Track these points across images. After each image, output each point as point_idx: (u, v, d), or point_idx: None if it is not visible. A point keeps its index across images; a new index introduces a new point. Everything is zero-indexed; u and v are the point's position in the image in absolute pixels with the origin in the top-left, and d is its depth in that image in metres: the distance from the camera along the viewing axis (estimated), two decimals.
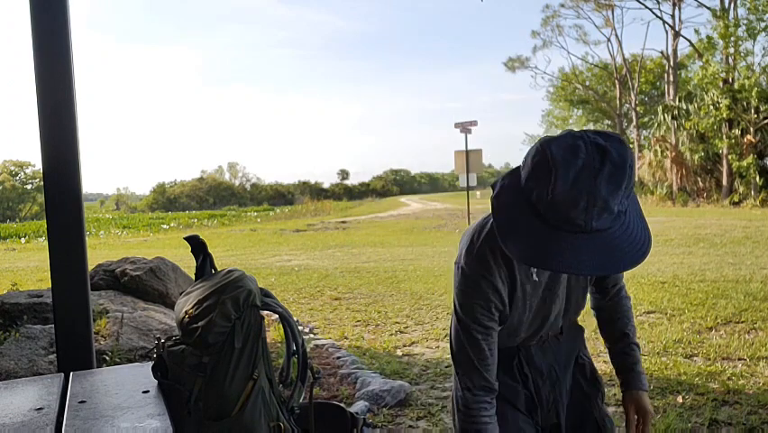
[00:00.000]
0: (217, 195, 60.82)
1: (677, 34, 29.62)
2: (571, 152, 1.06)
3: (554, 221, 1.09)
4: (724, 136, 24.68)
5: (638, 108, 34.94)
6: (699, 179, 26.44)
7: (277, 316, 1.29)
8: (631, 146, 28.41)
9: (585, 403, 1.57)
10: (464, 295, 1.33)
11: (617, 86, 36.90)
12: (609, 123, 40.52)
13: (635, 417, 1.48)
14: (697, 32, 26.54)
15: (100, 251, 14.05)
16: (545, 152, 1.08)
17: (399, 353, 4.70)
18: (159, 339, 1.36)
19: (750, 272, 7.73)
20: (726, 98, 24.02)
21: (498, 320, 1.34)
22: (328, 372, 4.17)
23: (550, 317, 1.46)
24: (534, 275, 1.36)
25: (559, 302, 1.45)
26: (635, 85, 35.05)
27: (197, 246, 1.45)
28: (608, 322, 1.59)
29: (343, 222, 24.15)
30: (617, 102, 37.20)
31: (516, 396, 1.47)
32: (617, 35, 40.90)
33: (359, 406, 3.37)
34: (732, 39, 24.49)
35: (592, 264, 1.09)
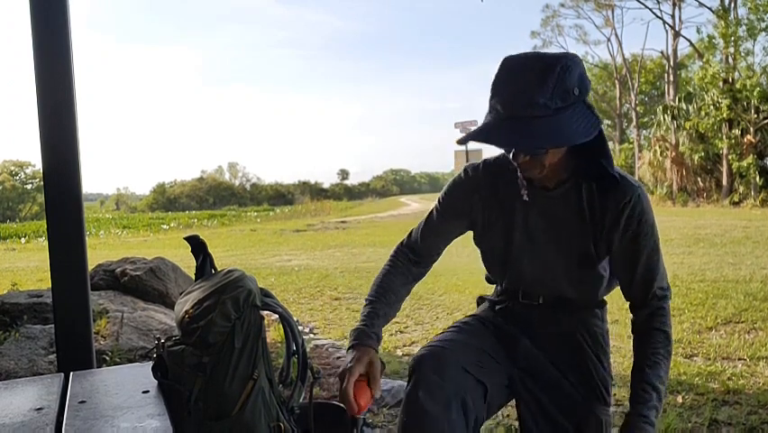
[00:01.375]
0: (217, 195, 60.83)
1: (677, 34, 29.63)
2: (517, 58, 1.31)
3: (491, 109, 1.30)
4: (724, 136, 24.68)
5: (638, 108, 34.95)
6: (699, 179, 26.44)
7: (277, 316, 1.29)
8: (631, 146, 28.42)
9: (571, 397, 1.50)
10: (444, 189, 1.60)
11: (617, 86, 36.91)
12: (609, 122, 40.51)
13: None
14: (698, 30, 26.58)
15: (100, 251, 14.05)
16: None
17: (399, 353, 4.70)
18: (159, 339, 1.36)
19: (750, 272, 7.73)
20: (726, 98, 24.02)
21: (452, 213, 1.56)
22: (328, 372, 4.17)
23: (547, 269, 1.48)
24: (525, 195, 1.46)
25: (554, 253, 1.47)
26: (635, 85, 35.06)
27: (197, 246, 1.45)
28: (635, 349, 1.48)
29: (343, 222, 24.15)
30: (617, 102, 37.21)
31: (484, 329, 1.58)
32: (617, 35, 40.97)
33: None
34: (732, 39, 24.49)
35: (507, 141, 1.31)
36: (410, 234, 1.63)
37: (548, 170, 1.38)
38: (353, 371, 1.38)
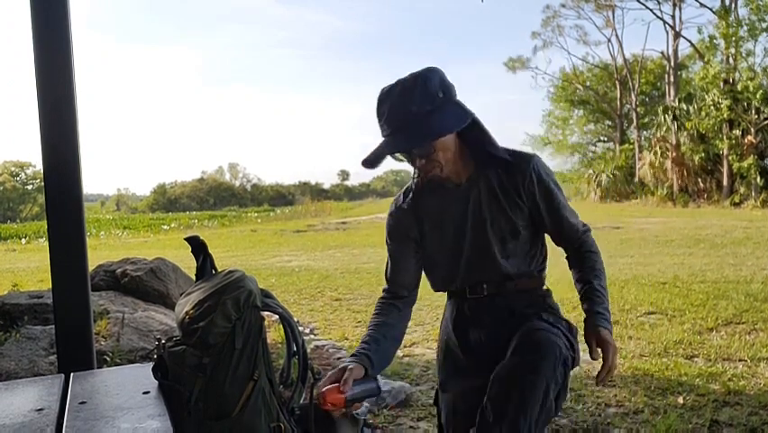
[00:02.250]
0: (218, 195, 60.84)
1: (677, 35, 29.63)
2: (388, 86, 1.53)
3: (381, 131, 1.55)
4: (724, 137, 24.67)
5: (639, 109, 34.92)
6: (699, 179, 26.42)
7: (277, 316, 1.29)
8: (631, 147, 28.42)
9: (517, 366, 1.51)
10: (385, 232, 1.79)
11: (618, 86, 36.89)
12: (610, 123, 40.51)
13: (598, 349, 1.57)
14: (700, 31, 26.51)
15: (101, 251, 14.05)
16: None
17: (400, 353, 4.70)
18: (159, 340, 1.36)
19: (751, 273, 7.73)
20: (726, 99, 24.01)
21: (400, 242, 1.74)
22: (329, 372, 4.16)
23: (483, 252, 1.63)
24: (405, 204, 1.69)
25: (485, 236, 1.62)
26: (636, 85, 35.04)
27: (198, 247, 1.45)
28: (575, 276, 1.71)
29: (344, 222, 24.15)
30: (618, 102, 37.19)
31: (450, 343, 1.74)
32: (617, 36, 41.03)
33: (359, 407, 3.36)
34: (733, 39, 24.48)
35: (394, 148, 1.52)
36: (385, 280, 1.80)
37: (448, 167, 1.58)
38: (324, 379, 1.50)
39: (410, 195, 1.70)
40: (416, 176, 1.66)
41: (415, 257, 1.75)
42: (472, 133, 1.57)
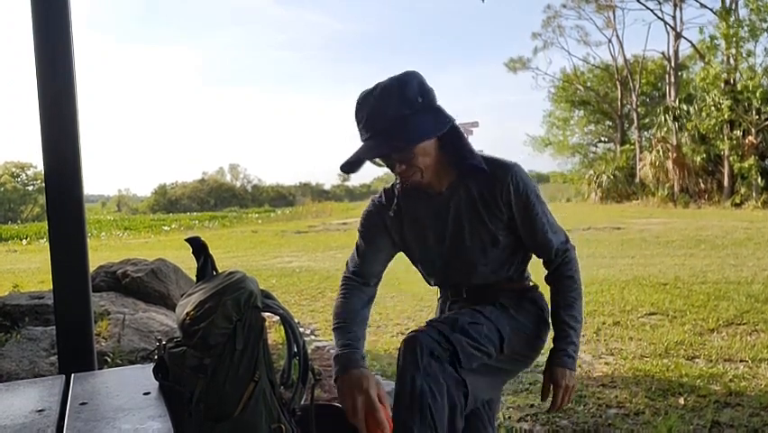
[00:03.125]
0: (218, 196, 60.83)
1: (678, 35, 29.62)
2: (366, 90, 1.52)
3: (360, 135, 1.54)
4: (725, 137, 24.65)
5: (639, 109, 34.90)
6: (700, 180, 26.41)
7: (278, 317, 1.29)
8: (632, 147, 28.38)
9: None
10: (360, 221, 1.80)
11: (619, 87, 36.87)
12: (611, 123, 40.49)
13: (550, 388, 1.62)
14: (701, 31, 26.48)
15: (101, 252, 14.06)
16: None
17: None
18: (160, 341, 1.36)
19: (752, 274, 7.72)
20: (727, 99, 24.00)
21: (373, 240, 1.74)
22: (329, 373, 4.15)
23: (463, 259, 1.65)
24: (392, 212, 1.69)
25: (465, 244, 1.63)
26: (637, 86, 35.02)
27: (199, 248, 1.45)
28: (551, 298, 1.71)
29: (345, 223, 24.14)
30: (619, 103, 37.17)
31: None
32: (618, 36, 40.92)
33: None
34: (734, 39, 24.47)
35: (373, 153, 1.51)
36: (348, 264, 1.81)
37: (428, 173, 1.57)
38: (374, 405, 1.39)
39: (394, 198, 1.70)
40: (398, 180, 1.67)
41: (386, 253, 1.77)
42: (452, 141, 1.57)
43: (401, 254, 1.84)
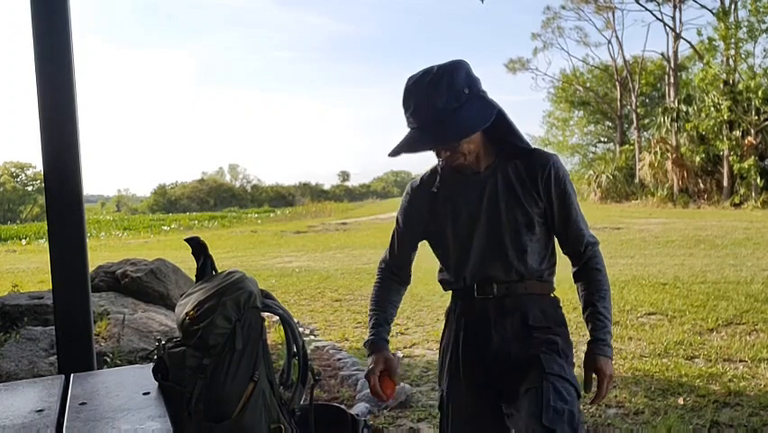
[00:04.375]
0: (218, 196, 60.82)
1: (677, 36, 29.64)
2: (414, 76, 1.54)
3: (407, 123, 1.56)
4: (725, 138, 24.67)
5: (639, 110, 34.92)
6: (699, 180, 26.42)
7: (277, 317, 1.29)
8: (632, 148, 28.36)
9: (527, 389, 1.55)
10: (399, 208, 1.84)
11: (618, 87, 36.89)
12: (610, 124, 40.51)
13: (594, 379, 1.61)
14: (699, 32, 26.52)
15: (101, 252, 14.06)
16: None
17: (400, 354, 4.70)
18: (159, 341, 1.36)
19: (751, 274, 7.73)
20: (726, 100, 24.01)
21: (411, 224, 1.78)
22: (329, 373, 4.16)
23: (495, 241, 1.63)
24: (435, 188, 1.70)
25: (499, 225, 1.63)
26: (636, 86, 35.04)
27: (198, 248, 1.45)
28: (580, 293, 1.70)
29: (344, 223, 24.15)
30: (618, 103, 37.18)
31: (450, 345, 1.75)
32: (617, 37, 40.91)
33: (359, 408, 3.36)
34: (733, 40, 24.49)
35: (424, 145, 1.53)
36: (385, 253, 1.89)
37: (471, 156, 1.61)
38: (374, 370, 1.69)
39: (436, 177, 1.71)
40: (441, 163, 1.68)
41: (417, 239, 1.81)
42: (497, 124, 1.58)
43: None
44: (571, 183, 1.67)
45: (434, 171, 1.74)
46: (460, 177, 1.67)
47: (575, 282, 1.72)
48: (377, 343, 1.75)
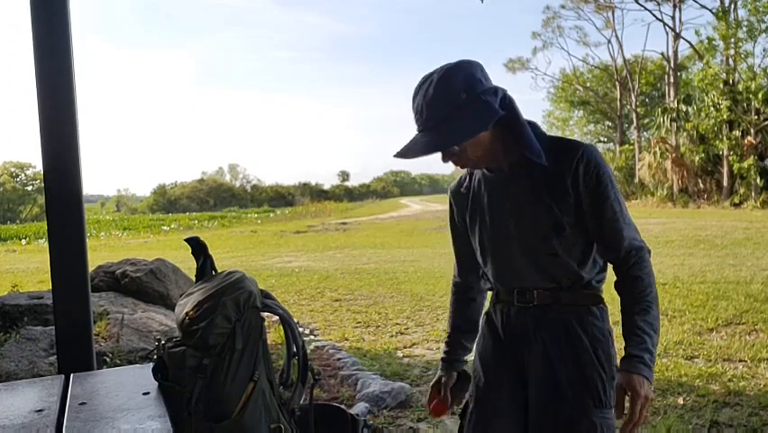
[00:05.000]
0: (218, 196, 60.82)
1: (677, 36, 29.64)
2: (420, 81, 1.48)
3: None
4: (724, 138, 24.68)
5: (639, 109, 34.93)
6: (699, 180, 26.43)
7: (277, 317, 1.29)
8: (631, 148, 28.32)
9: (557, 402, 1.50)
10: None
11: (618, 87, 36.89)
12: (610, 124, 40.52)
13: (626, 399, 1.42)
14: (698, 33, 26.57)
15: (101, 252, 14.06)
16: None
17: (400, 354, 4.70)
18: (159, 341, 1.36)
19: (751, 274, 7.73)
20: (726, 100, 24.02)
21: (459, 232, 1.73)
22: (329, 373, 4.16)
23: (527, 246, 1.53)
24: (463, 187, 1.66)
25: (529, 226, 1.52)
26: (636, 86, 35.05)
27: (198, 248, 1.45)
28: (621, 305, 1.51)
29: (344, 223, 24.15)
30: (618, 103, 37.19)
31: (489, 354, 1.68)
32: (617, 37, 41.00)
33: (359, 407, 3.36)
34: (732, 40, 24.49)
35: (416, 152, 1.45)
36: (456, 271, 1.85)
37: (482, 162, 1.53)
38: (431, 387, 1.80)
39: (467, 178, 1.66)
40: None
41: (468, 241, 1.71)
42: (508, 124, 1.48)
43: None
44: (608, 174, 1.48)
45: (466, 174, 1.67)
46: (488, 176, 1.58)
47: (618, 294, 1.51)
48: (441, 361, 1.81)
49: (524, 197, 1.51)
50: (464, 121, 1.42)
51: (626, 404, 1.40)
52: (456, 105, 1.42)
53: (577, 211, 1.48)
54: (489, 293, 1.72)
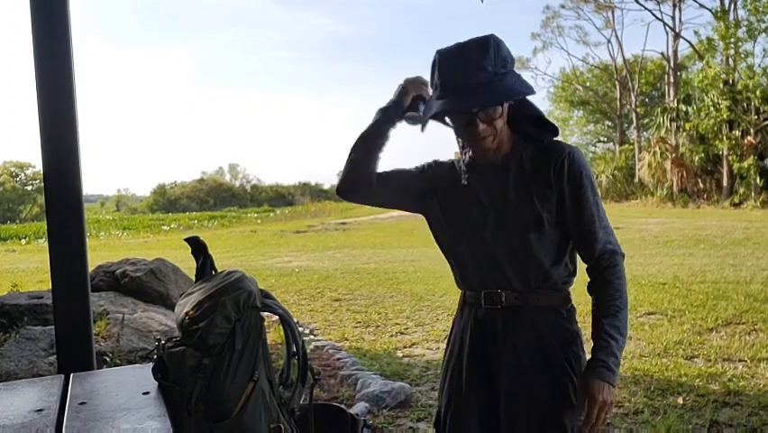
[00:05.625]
0: (217, 196, 60.79)
1: (677, 36, 29.64)
2: (451, 46, 1.48)
3: (436, 90, 1.50)
4: (724, 137, 24.68)
5: (639, 109, 34.92)
6: (699, 180, 26.43)
7: (277, 317, 1.29)
8: (631, 147, 28.30)
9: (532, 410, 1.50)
10: None
11: (618, 87, 36.89)
12: (610, 123, 40.51)
13: (584, 402, 1.44)
14: (696, 33, 26.57)
15: (100, 252, 14.06)
16: None
17: (400, 354, 4.70)
18: (159, 340, 1.36)
19: (750, 274, 7.73)
20: (726, 99, 24.02)
21: (411, 170, 1.69)
22: (328, 373, 4.16)
23: (504, 239, 1.52)
24: (463, 179, 1.60)
25: (507, 222, 1.52)
26: (636, 86, 35.04)
27: (198, 248, 1.45)
28: (592, 307, 1.52)
29: (344, 223, 24.15)
30: (618, 103, 37.19)
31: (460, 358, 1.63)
32: (617, 36, 40.93)
33: (359, 407, 3.37)
34: (732, 40, 24.49)
35: (470, 104, 1.45)
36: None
37: (500, 136, 1.51)
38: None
39: (461, 165, 1.62)
40: (464, 155, 1.61)
41: (411, 188, 1.67)
42: (516, 111, 1.53)
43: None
44: (589, 177, 1.52)
45: (454, 163, 1.66)
46: (474, 167, 1.58)
47: (589, 292, 1.54)
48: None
49: (508, 191, 1.53)
50: (516, 82, 1.47)
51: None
52: (508, 68, 1.47)
53: (558, 209, 1.51)
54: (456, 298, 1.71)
